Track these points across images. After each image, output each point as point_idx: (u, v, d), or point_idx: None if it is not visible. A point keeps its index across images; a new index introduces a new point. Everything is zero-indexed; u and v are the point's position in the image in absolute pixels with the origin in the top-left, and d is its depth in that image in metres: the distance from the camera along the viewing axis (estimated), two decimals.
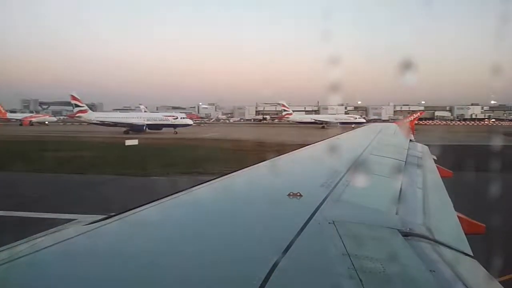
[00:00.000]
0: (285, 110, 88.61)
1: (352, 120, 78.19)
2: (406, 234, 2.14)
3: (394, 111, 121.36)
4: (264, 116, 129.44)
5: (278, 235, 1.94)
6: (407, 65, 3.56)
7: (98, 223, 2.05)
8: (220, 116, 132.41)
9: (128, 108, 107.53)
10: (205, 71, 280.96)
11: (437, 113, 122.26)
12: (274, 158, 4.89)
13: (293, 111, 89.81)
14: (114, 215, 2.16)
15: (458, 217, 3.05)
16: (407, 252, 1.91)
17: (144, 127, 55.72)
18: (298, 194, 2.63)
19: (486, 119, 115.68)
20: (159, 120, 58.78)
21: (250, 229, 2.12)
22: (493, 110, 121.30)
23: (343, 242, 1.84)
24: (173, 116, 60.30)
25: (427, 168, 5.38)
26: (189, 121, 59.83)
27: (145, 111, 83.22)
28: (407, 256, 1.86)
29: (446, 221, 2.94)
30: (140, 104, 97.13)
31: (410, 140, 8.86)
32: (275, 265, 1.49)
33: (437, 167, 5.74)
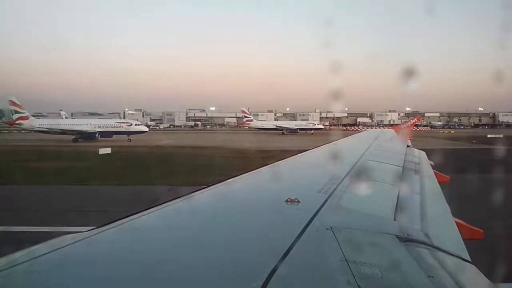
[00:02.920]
0: (245, 117, 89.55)
1: (311, 126, 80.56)
2: (404, 240, 2.14)
3: (320, 118, 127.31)
4: (196, 123, 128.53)
5: (276, 241, 1.93)
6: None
7: (95, 230, 2.02)
8: (149, 123, 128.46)
9: (39, 114, 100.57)
10: (130, 76, 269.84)
11: (359, 119, 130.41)
12: (271, 164, 4.85)
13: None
14: (112, 222, 2.14)
15: (456, 222, 3.04)
16: (405, 258, 1.92)
17: (97, 135, 52.99)
18: (296, 200, 2.62)
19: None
20: (112, 127, 55.56)
21: (248, 236, 2.10)
22: (408, 116, 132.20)
23: (341, 248, 1.83)
24: (127, 122, 57.79)
25: (424, 173, 5.40)
26: (145, 128, 57.61)
27: (66, 117, 78.71)
28: (405, 262, 1.87)
29: (444, 227, 2.93)
30: (61, 110, 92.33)
31: (407, 146, 8.89)
32: (273, 272, 1.49)
33: (434, 172, 5.74)
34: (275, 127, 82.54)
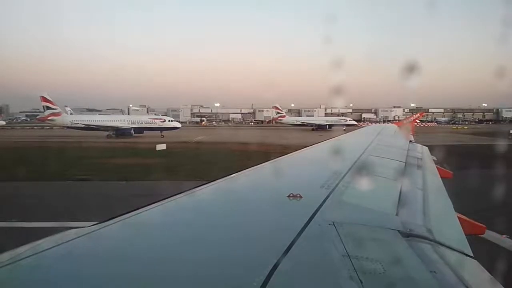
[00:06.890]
0: (278, 113, 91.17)
1: (343, 122, 79.61)
2: (406, 235, 2.14)
3: (325, 114, 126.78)
4: (202, 119, 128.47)
5: (279, 236, 1.93)
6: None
7: (98, 225, 2.03)
8: None
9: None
10: (133, 72, 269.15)
11: (364, 115, 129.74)
12: (274, 160, 4.83)
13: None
14: (115, 217, 2.14)
15: (458, 218, 3.04)
16: (407, 253, 1.92)
17: (132, 131, 53.60)
18: (298, 195, 2.61)
19: None
20: (146, 123, 56.45)
21: (250, 231, 2.10)
22: (412, 112, 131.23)
23: (343, 244, 1.83)
24: (160, 119, 58.54)
25: (427, 169, 5.38)
26: (178, 124, 57.99)
27: (71, 113, 78.85)
28: (408, 257, 1.87)
29: (447, 222, 2.93)
30: (66, 106, 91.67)
31: (410, 141, 8.87)
32: (275, 267, 1.49)
33: (437, 168, 5.73)
34: (303, 123, 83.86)
